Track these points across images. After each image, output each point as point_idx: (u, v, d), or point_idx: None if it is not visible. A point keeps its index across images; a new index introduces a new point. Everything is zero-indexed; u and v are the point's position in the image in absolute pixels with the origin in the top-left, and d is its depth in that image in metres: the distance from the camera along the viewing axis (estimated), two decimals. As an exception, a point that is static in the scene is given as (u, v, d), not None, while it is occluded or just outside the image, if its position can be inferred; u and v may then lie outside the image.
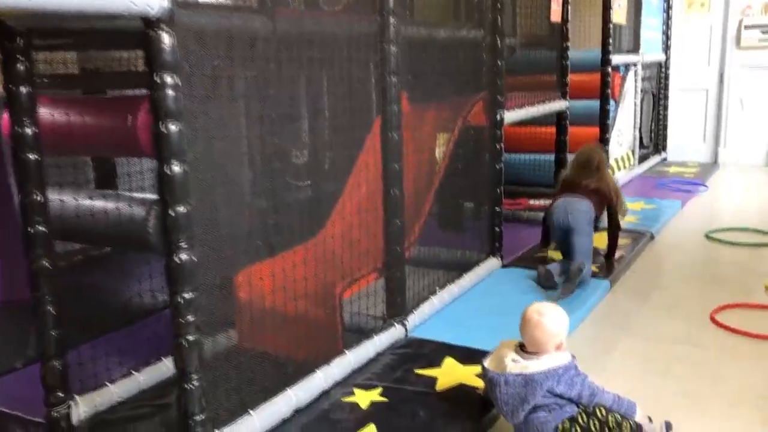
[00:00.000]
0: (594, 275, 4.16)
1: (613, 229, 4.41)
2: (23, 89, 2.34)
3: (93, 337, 3.12)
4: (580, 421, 2.33)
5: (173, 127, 2.02)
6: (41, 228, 2.40)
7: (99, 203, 3.24)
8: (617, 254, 4.48)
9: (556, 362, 2.38)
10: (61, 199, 3.08)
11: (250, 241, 2.78)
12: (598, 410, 2.34)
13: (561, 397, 2.35)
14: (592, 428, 2.32)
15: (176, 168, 2.05)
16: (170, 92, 2.00)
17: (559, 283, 3.97)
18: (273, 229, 2.95)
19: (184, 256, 2.10)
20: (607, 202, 4.32)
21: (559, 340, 2.44)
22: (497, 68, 4.14)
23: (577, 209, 4.12)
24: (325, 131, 4.05)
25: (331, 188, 3.57)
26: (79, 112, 3.11)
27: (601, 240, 4.52)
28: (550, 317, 2.44)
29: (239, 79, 2.54)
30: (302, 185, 4.03)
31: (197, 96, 2.16)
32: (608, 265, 4.40)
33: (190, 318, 2.14)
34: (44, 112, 2.92)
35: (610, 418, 2.33)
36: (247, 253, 2.73)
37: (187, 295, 2.13)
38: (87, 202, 3.19)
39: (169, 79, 1.99)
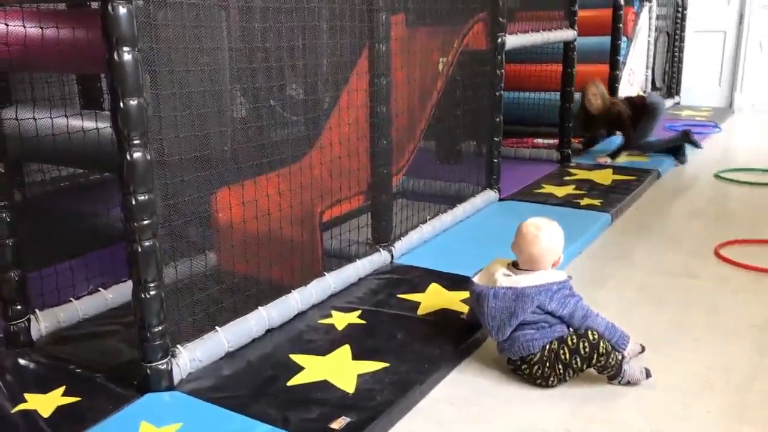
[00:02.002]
0: (594, 208, 4.01)
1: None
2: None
3: (69, 258, 2.99)
4: (569, 342, 2.18)
5: (122, 9, 1.84)
6: (-8, 129, 2.23)
7: (76, 123, 3.10)
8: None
9: (551, 278, 2.22)
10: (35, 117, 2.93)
11: (224, 152, 2.60)
12: (590, 333, 2.18)
13: (551, 315, 2.20)
14: (582, 351, 2.16)
15: (127, 56, 1.87)
16: (118, -31, 1.81)
17: None
18: (255, 148, 2.78)
19: (137, 154, 1.94)
20: None
21: (556, 256, 2.28)
22: (499, -13, 3.90)
23: None
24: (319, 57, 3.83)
25: (322, 122, 3.38)
26: (54, 26, 2.93)
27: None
28: (547, 232, 2.27)
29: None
30: (295, 119, 3.84)
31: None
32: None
33: (145, 221, 1.99)
34: (15, 26, 2.75)
35: (601, 343, 2.17)
36: (219, 163, 2.56)
37: (141, 197, 1.97)
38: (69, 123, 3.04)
39: (116, -47, 1.80)
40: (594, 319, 2.23)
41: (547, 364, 2.18)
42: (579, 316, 2.21)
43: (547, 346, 2.19)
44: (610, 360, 2.18)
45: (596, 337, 2.18)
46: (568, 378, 2.21)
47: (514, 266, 2.31)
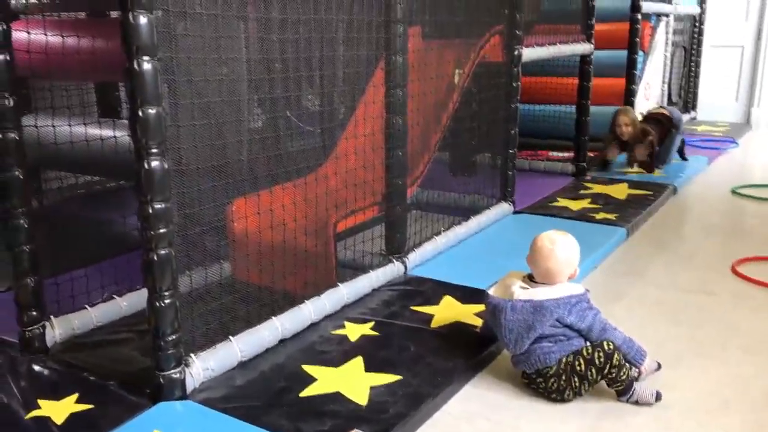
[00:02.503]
0: (610, 223, 3.99)
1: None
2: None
3: (84, 265, 3.00)
4: (584, 353, 2.15)
5: (143, 19, 1.85)
6: (12, 135, 2.24)
7: (95, 131, 3.12)
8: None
9: (569, 291, 2.21)
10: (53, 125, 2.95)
11: (240, 162, 2.61)
12: (605, 343, 2.15)
13: (570, 327, 2.19)
14: (597, 361, 2.14)
15: (146, 65, 1.88)
16: (139, -21, 1.82)
17: None
18: (272, 158, 2.78)
19: (154, 163, 1.95)
20: None
21: (572, 269, 2.27)
22: (516, 0, 3.89)
23: None
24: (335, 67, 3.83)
25: (338, 133, 3.38)
26: (75, 35, 2.97)
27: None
28: (562, 245, 2.26)
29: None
30: (311, 129, 3.84)
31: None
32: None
33: (162, 230, 2.00)
34: (38, 35, 2.78)
35: (616, 354, 2.14)
36: (236, 172, 2.56)
37: (158, 206, 1.98)
38: (84, 130, 3.06)
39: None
40: (612, 333, 2.21)
41: (563, 378, 2.16)
42: (597, 329, 2.20)
43: (563, 359, 2.17)
44: (622, 374, 2.15)
45: (612, 347, 2.15)
46: (583, 392, 2.19)
47: (530, 279, 2.30)
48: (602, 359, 2.13)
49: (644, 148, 5.21)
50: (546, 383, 2.20)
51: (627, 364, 2.17)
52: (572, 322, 2.18)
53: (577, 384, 2.16)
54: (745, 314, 2.91)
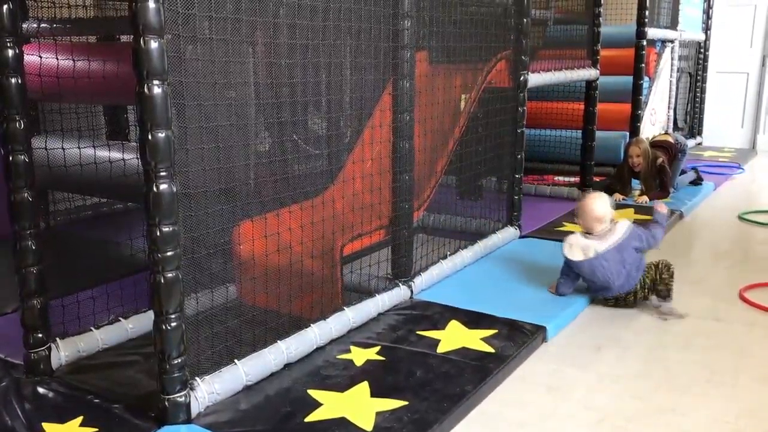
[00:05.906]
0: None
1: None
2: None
3: (91, 286, 3.00)
4: (653, 265, 3.20)
5: (154, 44, 1.87)
6: (22, 157, 2.26)
7: (103, 153, 3.13)
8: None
9: (625, 226, 3.19)
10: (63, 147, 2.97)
11: (247, 185, 2.61)
12: (664, 260, 3.21)
13: (637, 250, 3.17)
14: (659, 266, 3.19)
15: (156, 89, 1.90)
16: (151, 4, 1.84)
17: None
18: (279, 181, 2.79)
19: (163, 186, 1.95)
20: None
21: (612, 214, 3.21)
22: (522, 26, 3.92)
23: None
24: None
25: (345, 156, 3.39)
26: (86, 59, 2.99)
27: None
28: (601, 195, 3.29)
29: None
30: (318, 152, 3.85)
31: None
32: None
33: (169, 252, 2.00)
34: (48, 58, 2.81)
35: (671, 267, 3.19)
36: (243, 195, 2.56)
37: (165, 228, 1.98)
38: (93, 152, 3.07)
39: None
40: (658, 234, 3.31)
41: (645, 290, 3.16)
42: (649, 243, 3.24)
43: (642, 279, 3.14)
44: (671, 281, 3.17)
45: (669, 263, 3.20)
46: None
47: (587, 233, 3.18)
48: (663, 267, 3.17)
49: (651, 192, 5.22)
50: (635, 298, 3.17)
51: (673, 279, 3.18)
52: (639, 245, 3.17)
53: (650, 289, 3.17)
54: (754, 341, 2.88)
